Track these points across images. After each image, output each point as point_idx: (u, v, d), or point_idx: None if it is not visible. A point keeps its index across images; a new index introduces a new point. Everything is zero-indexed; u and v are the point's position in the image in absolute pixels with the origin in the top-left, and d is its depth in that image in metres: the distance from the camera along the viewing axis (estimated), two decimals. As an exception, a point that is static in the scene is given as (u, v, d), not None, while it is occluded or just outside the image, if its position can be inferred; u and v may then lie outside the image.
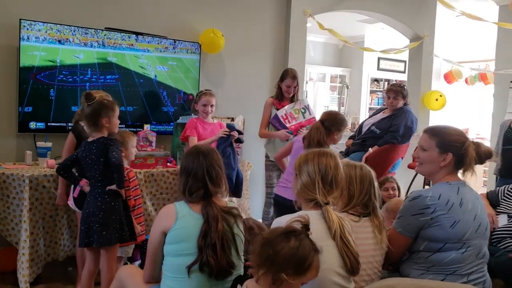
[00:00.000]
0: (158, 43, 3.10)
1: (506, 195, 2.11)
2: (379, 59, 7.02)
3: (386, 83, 7.04)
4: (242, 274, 1.42)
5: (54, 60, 2.74)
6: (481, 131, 5.96)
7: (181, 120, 3.04)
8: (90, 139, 1.97)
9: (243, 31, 3.55)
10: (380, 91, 7.18)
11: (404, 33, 4.61)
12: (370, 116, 3.42)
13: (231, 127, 2.58)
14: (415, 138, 3.37)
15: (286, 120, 2.88)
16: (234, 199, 2.92)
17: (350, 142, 3.23)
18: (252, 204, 3.36)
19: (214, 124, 2.75)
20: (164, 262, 1.41)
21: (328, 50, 7.15)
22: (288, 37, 3.71)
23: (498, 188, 2.20)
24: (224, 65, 3.50)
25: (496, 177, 2.94)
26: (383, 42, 5.97)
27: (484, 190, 2.57)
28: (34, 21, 2.64)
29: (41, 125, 2.73)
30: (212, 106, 2.72)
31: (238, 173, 2.61)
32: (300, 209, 1.39)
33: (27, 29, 2.62)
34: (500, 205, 2.10)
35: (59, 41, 2.74)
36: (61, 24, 2.73)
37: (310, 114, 2.95)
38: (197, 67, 3.28)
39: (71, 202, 2.25)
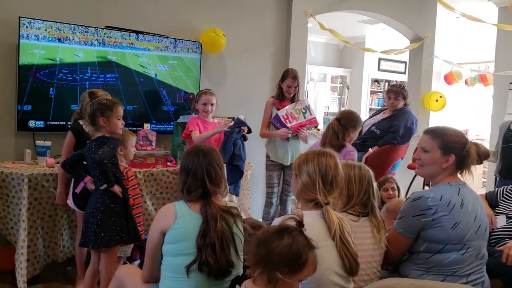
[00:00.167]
0: (158, 42, 3.09)
1: (505, 196, 2.12)
2: (379, 59, 7.02)
3: (387, 84, 7.05)
4: (241, 274, 1.42)
5: (54, 59, 2.73)
6: (481, 132, 5.96)
7: (181, 119, 3.04)
8: (92, 139, 1.99)
9: (244, 31, 3.55)
10: (381, 92, 7.19)
11: (404, 34, 4.62)
12: (370, 117, 3.42)
13: (240, 122, 2.65)
14: (415, 139, 3.37)
15: (287, 120, 2.88)
16: (234, 198, 2.92)
17: (350, 142, 3.22)
18: (252, 204, 3.36)
19: (214, 123, 2.75)
20: (163, 262, 1.40)
21: (329, 50, 7.15)
22: (289, 37, 3.71)
23: (497, 189, 2.20)
24: (225, 65, 3.50)
25: (495, 178, 2.94)
26: (383, 43, 5.97)
27: (483, 191, 2.57)
28: (34, 19, 2.64)
29: (40, 123, 2.72)
30: (212, 105, 2.72)
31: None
32: None
33: (27, 27, 2.61)
34: (499, 206, 2.10)
35: (59, 40, 2.73)
36: (61, 23, 2.73)
37: (310, 114, 2.95)
38: (198, 67, 3.28)
39: (70, 201, 2.25)
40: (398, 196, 2.55)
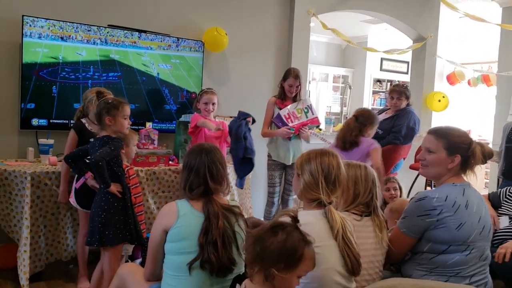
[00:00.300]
0: (161, 41, 3.10)
1: (507, 196, 2.11)
2: (382, 59, 7.01)
3: (389, 84, 7.03)
4: (242, 273, 1.42)
5: (57, 57, 2.74)
6: (483, 133, 5.94)
7: (183, 118, 3.04)
8: (97, 136, 2.01)
9: (247, 30, 3.54)
10: (383, 92, 7.17)
11: (407, 33, 4.60)
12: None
13: (243, 114, 2.68)
14: (417, 139, 3.36)
15: (289, 120, 2.88)
16: (235, 197, 2.92)
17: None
18: (254, 203, 3.36)
19: (216, 122, 2.75)
20: (165, 260, 1.41)
21: (331, 50, 7.14)
22: (291, 37, 3.70)
23: (500, 189, 2.19)
24: (227, 64, 3.50)
25: (498, 179, 2.93)
26: (386, 42, 5.96)
27: (485, 192, 2.56)
28: (37, 17, 2.64)
29: (43, 122, 2.73)
30: (213, 104, 2.72)
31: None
32: None
33: (30, 25, 2.62)
34: (502, 207, 2.09)
35: (62, 38, 2.74)
36: (63, 21, 2.73)
37: (312, 113, 2.94)
38: (200, 66, 3.28)
39: (72, 200, 2.25)
40: (400, 196, 2.54)
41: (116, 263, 1.94)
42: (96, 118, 1.99)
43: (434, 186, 1.71)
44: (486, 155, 1.54)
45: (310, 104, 2.97)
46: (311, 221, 1.28)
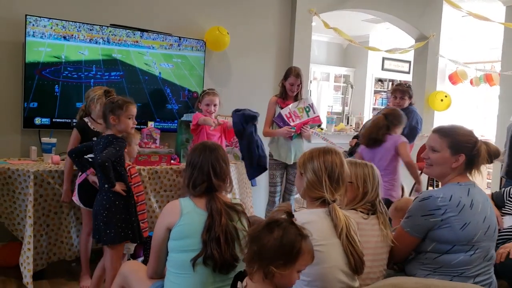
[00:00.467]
0: (163, 40, 3.10)
1: (511, 196, 2.10)
2: (383, 59, 6.99)
3: (390, 83, 7.02)
4: (243, 270, 1.42)
5: (59, 56, 2.74)
6: (486, 132, 5.92)
7: (185, 117, 3.04)
8: (102, 135, 2.03)
9: (248, 29, 3.54)
10: (384, 91, 7.16)
11: (409, 33, 4.59)
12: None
13: (250, 117, 2.70)
14: (420, 139, 3.35)
15: (290, 119, 2.88)
16: (237, 196, 2.92)
17: (354, 141, 3.21)
18: (255, 202, 3.36)
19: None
20: (168, 258, 1.41)
21: (332, 49, 7.13)
22: (293, 36, 3.70)
23: (503, 189, 2.19)
24: (229, 63, 3.50)
25: (501, 179, 2.92)
26: (388, 42, 5.94)
27: (488, 192, 2.55)
28: (40, 17, 2.65)
29: (46, 121, 2.74)
30: (215, 105, 2.73)
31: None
32: None
33: (33, 25, 2.62)
34: (505, 206, 2.08)
35: (64, 37, 2.74)
36: (66, 20, 2.74)
37: (314, 112, 2.94)
38: (202, 65, 3.28)
39: (75, 198, 2.26)
40: (403, 196, 2.54)
41: (118, 262, 1.94)
42: (102, 117, 2.02)
43: (436, 186, 1.70)
44: (492, 155, 1.52)
45: (312, 103, 2.97)
46: (314, 219, 1.28)
